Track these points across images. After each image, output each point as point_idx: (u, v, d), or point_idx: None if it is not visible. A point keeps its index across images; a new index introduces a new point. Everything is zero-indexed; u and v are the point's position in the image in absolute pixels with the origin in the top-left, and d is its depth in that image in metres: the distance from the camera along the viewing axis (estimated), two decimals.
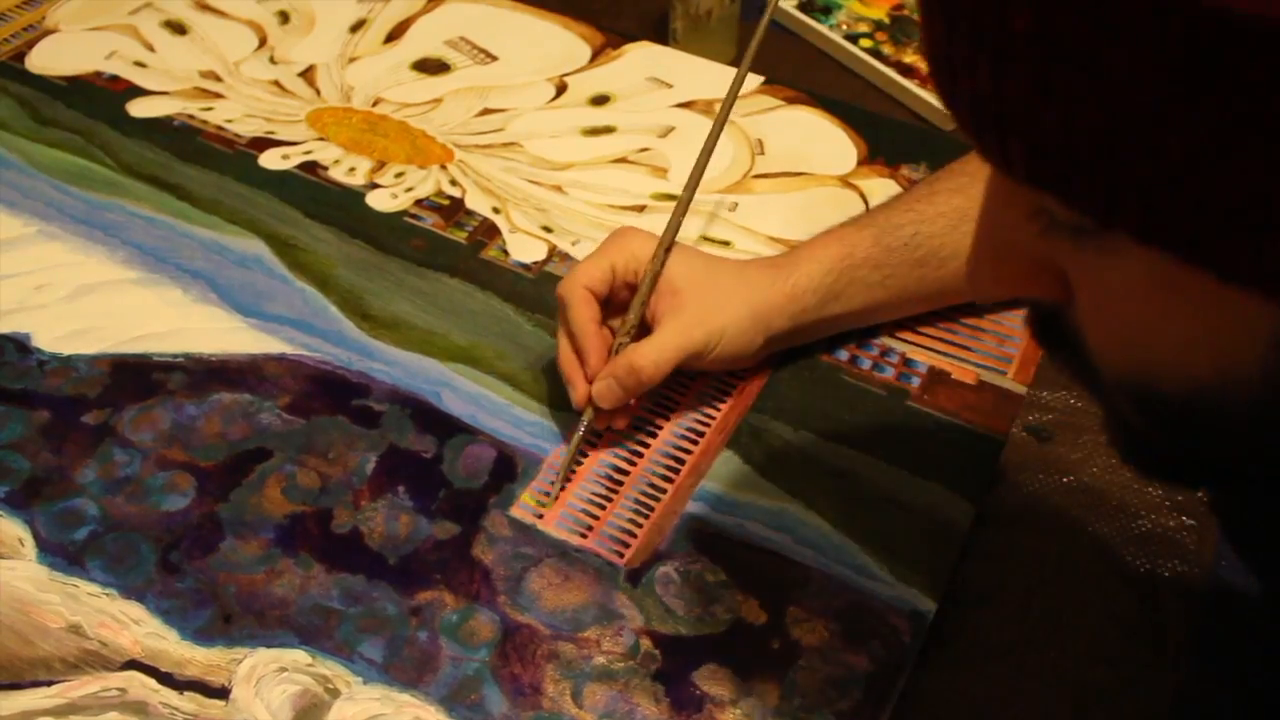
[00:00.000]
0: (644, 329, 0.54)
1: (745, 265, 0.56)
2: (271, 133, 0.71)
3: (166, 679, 0.46)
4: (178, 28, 0.79)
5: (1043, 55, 0.23)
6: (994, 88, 0.24)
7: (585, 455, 0.54)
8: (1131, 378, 0.29)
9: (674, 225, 0.55)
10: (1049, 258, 0.30)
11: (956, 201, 0.56)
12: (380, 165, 0.69)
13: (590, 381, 0.52)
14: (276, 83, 0.75)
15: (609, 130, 0.72)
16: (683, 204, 0.56)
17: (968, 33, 0.25)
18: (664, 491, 0.52)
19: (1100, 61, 0.22)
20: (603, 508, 0.52)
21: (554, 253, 0.64)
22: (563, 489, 0.52)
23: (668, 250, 0.54)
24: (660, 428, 0.55)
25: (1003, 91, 0.24)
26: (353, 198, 0.67)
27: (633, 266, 0.54)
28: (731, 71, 0.76)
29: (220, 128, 0.71)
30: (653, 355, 0.52)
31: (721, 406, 0.56)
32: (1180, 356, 0.28)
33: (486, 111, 0.73)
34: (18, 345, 0.58)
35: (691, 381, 0.57)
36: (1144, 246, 0.25)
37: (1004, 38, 0.23)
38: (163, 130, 0.71)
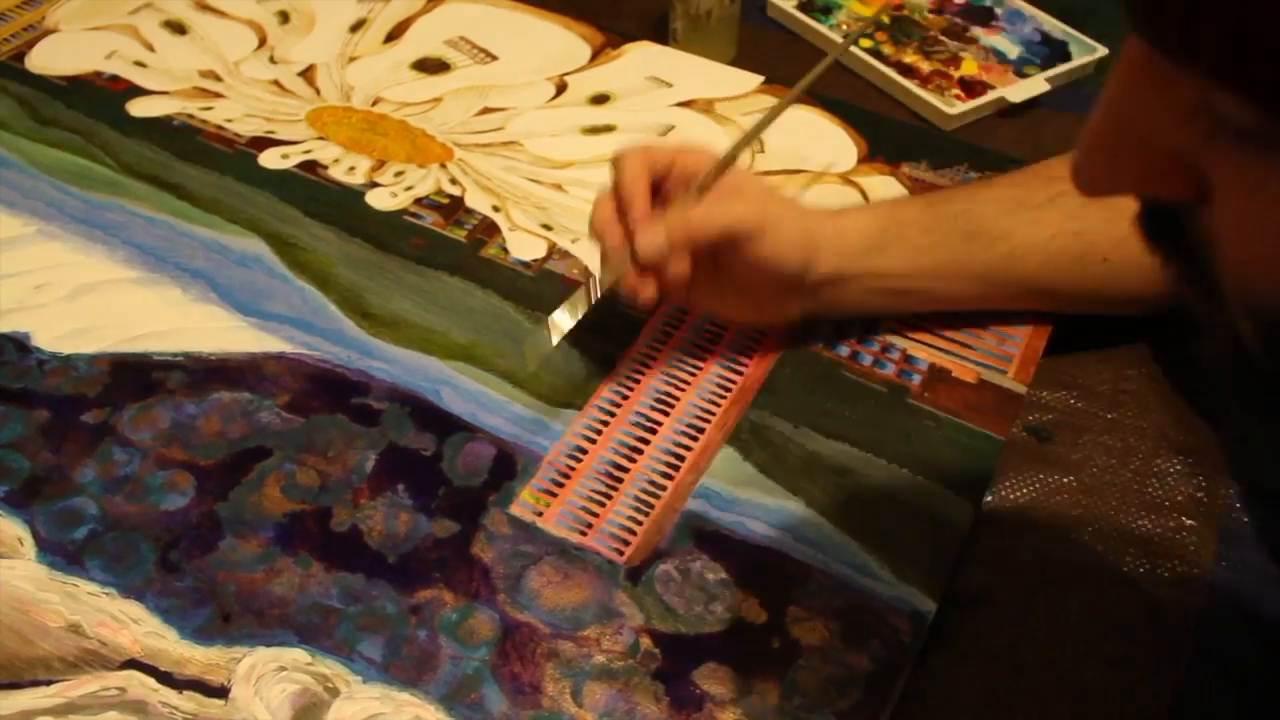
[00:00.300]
0: None
1: (802, 201, 0.57)
2: (271, 132, 0.71)
3: (166, 678, 0.46)
4: (178, 28, 0.79)
5: None
6: None
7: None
8: (1268, 300, 0.26)
9: (747, 138, 0.54)
10: (1191, 156, 0.26)
11: (1014, 193, 0.56)
12: (380, 164, 0.69)
13: (628, 238, 0.51)
14: (276, 82, 0.75)
15: (609, 129, 0.72)
16: (758, 125, 0.54)
17: None
18: (664, 489, 0.52)
19: None
20: (602, 505, 0.52)
21: (554, 250, 0.64)
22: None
23: (732, 159, 0.53)
24: (660, 424, 0.55)
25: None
26: (352, 197, 0.67)
27: (692, 168, 0.52)
28: (732, 71, 0.76)
29: (220, 127, 0.71)
30: (706, 211, 0.50)
31: (721, 403, 0.56)
32: None
33: (486, 110, 0.73)
34: (17, 345, 0.58)
35: (691, 377, 0.57)
36: None
37: None
38: (163, 130, 0.71)
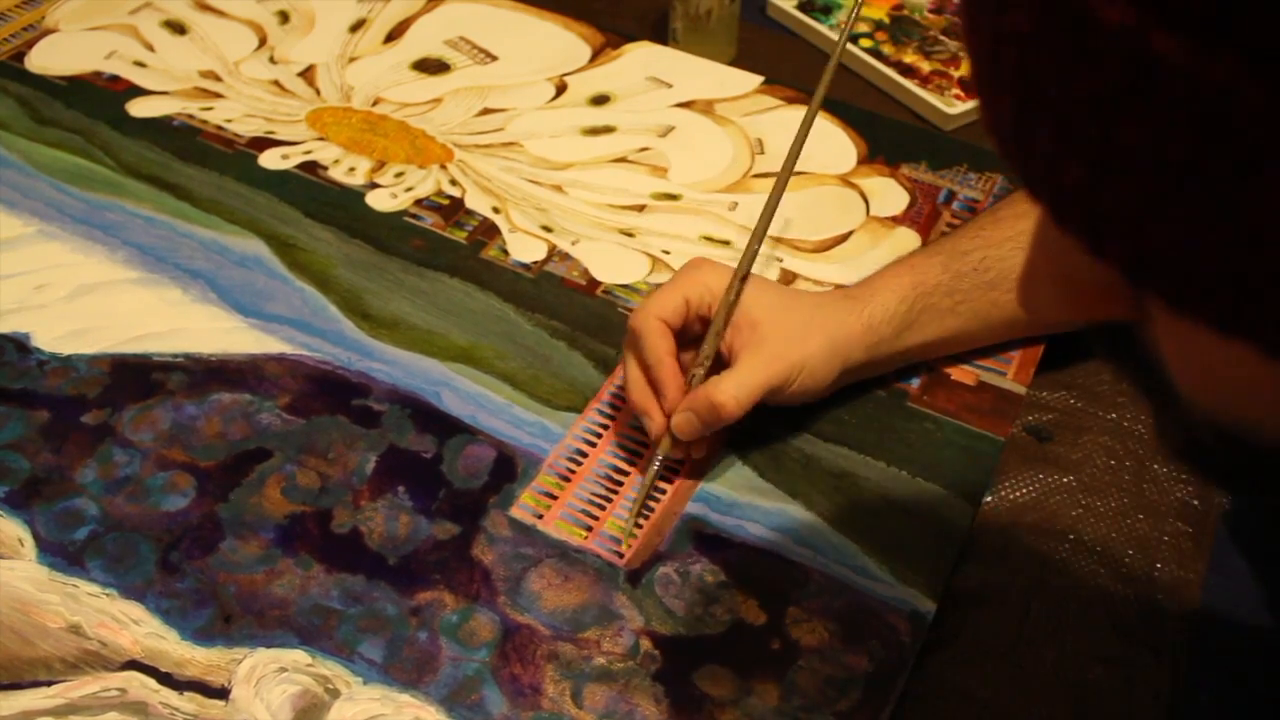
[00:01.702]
0: (719, 363, 0.53)
1: (820, 297, 0.55)
2: (271, 132, 0.71)
3: (166, 679, 0.46)
4: (178, 27, 0.79)
5: (1157, 174, 0.20)
6: (1089, 189, 0.22)
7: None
8: (1214, 414, 0.26)
9: (749, 256, 0.53)
10: (1123, 287, 0.26)
11: (1022, 225, 0.55)
12: (380, 165, 0.69)
13: (667, 414, 0.52)
14: (276, 82, 0.75)
15: (609, 130, 0.72)
16: (757, 235, 0.54)
17: (1058, 130, 0.22)
18: (664, 492, 0.52)
19: (1227, 192, 0.20)
20: (602, 508, 0.52)
21: (554, 252, 0.64)
22: (638, 525, 0.51)
23: (743, 281, 0.53)
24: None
25: (1101, 197, 0.22)
26: (352, 197, 0.67)
27: (706, 299, 0.53)
28: (732, 71, 0.76)
29: (220, 127, 0.71)
30: (734, 391, 0.50)
31: None
32: (1266, 412, 0.25)
33: (486, 111, 0.73)
34: (17, 345, 0.58)
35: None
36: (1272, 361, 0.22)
37: (1110, 148, 0.21)
38: (162, 130, 0.71)
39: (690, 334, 0.54)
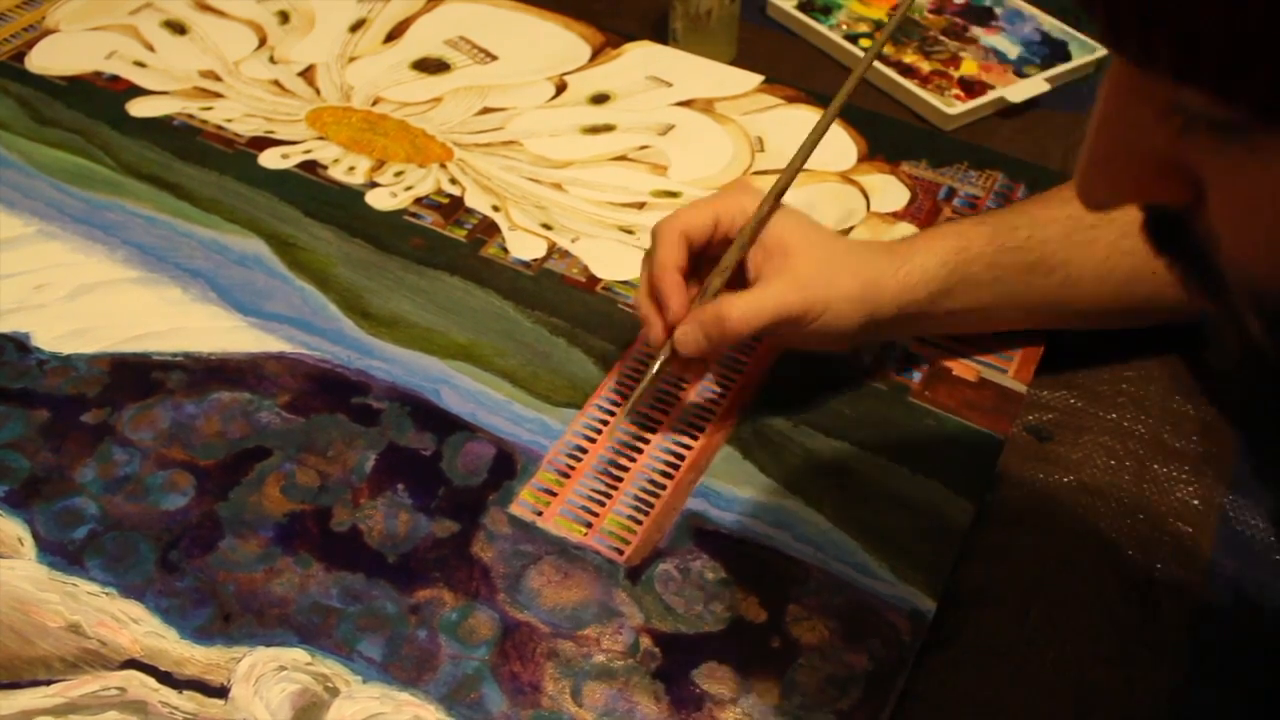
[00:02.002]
0: (741, 282, 0.51)
1: (859, 243, 0.53)
2: (271, 132, 0.71)
3: (166, 678, 0.46)
4: (178, 27, 0.79)
5: None
6: None
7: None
8: (1269, 290, 0.27)
9: (790, 174, 0.50)
10: (1179, 158, 0.27)
11: (1071, 209, 0.54)
12: (380, 164, 0.69)
13: (670, 325, 0.50)
14: (276, 82, 0.75)
15: (609, 128, 0.72)
16: (795, 165, 0.51)
17: None
18: (664, 488, 0.52)
19: None
20: (602, 504, 0.52)
21: (553, 250, 0.64)
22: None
23: (778, 199, 0.50)
24: (660, 424, 0.55)
25: None
26: (352, 196, 0.67)
27: (738, 221, 0.51)
28: (732, 71, 0.76)
29: (220, 127, 0.71)
30: (745, 310, 0.48)
31: (721, 402, 0.56)
32: None
33: (486, 110, 0.73)
34: (17, 345, 0.58)
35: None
36: None
37: None
38: (162, 130, 0.71)
39: (715, 254, 0.52)
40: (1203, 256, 0.28)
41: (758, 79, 0.76)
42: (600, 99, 0.74)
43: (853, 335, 0.52)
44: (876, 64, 0.77)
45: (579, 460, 0.53)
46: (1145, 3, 0.23)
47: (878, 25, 0.81)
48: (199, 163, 0.68)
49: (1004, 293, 0.54)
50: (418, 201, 0.67)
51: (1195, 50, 0.23)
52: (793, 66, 0.78)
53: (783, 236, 0.51)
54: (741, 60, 0.78)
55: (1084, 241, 0.54)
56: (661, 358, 0.51)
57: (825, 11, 0.82)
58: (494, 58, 0.77)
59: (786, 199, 0.52)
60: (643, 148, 0.71)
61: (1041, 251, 0.54)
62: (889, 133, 0.72)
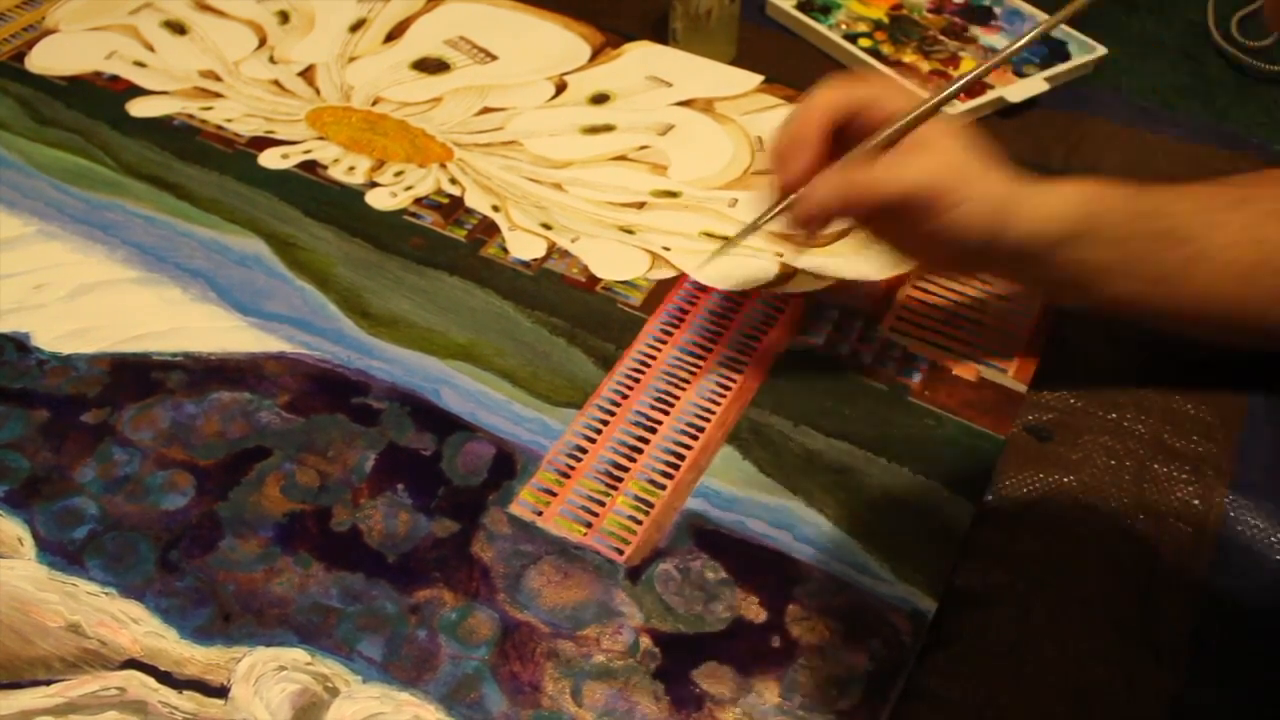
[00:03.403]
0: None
1: (1005, 164, 0.51)
2: (271, 132, 0.71)
3: (165, 678, 0.46)
4: (178, 28, 0.79)
5: None
6: None
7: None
8: None
9: (949, 92, 0.48)
10: None
11: (1210, 191, 0.52)
12: (380, 164, 0.69)
13: (796, 182, 0.48)
14: (276, 82, 0.75)
15: (608, 128, 0.72)
16: (970, 77, 0.49)
17: None
18: (663, 488, 0.52)
19: None
20: (602, 504, 0.52)
21: (553, 250, 0.64)
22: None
23: (937, 106, 0.48)
24: (660, 423, 0.55)
25: None
26: (352, 196, 0.67)
27: (888, 114, 0.48)
28: (732, 71, 0.76)
29: (220, 127, 0.71)
30: (888, 170, 0.46)
31: (721, 401, 0.56)
32: None
33: (486, 110, 0.73)
34: (17, 344, 0.58)
35: (691, 376, 0.57)
36: None
37: None
38: (162, 130, 0.71)
39: (848, 138, 0.49)
40: None
41: (758, 79, 0.76)
42: (600, 99, 0.74)
43: (971, 251, 0.49)
44: (876, 64, 0.77)
45: (579, 460, 0.54)
46: None
47: (877, 25, 0.81)
48: (199, 163, 0.68)
49: (1129, 257, 0.51)
50: (418, 201, 0.67)
51: None
52: (793, 66, 0.78)
53: (931, 132, 0.48)
54: (741, 60, 0.78)
55: (1212, 223, 0.51)
56: (773, 211, 0.48)
57: (825, 11, 0.82)
58: (494, 58, 0.78)
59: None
60: (643, 148, 0.71)
61: (1170, 222, 0.51)
62: None
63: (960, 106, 0.73)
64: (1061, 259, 0.51)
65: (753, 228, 0.48)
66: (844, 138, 0.49)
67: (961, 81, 0.49)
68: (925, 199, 0.47)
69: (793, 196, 0.48)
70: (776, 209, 0.48)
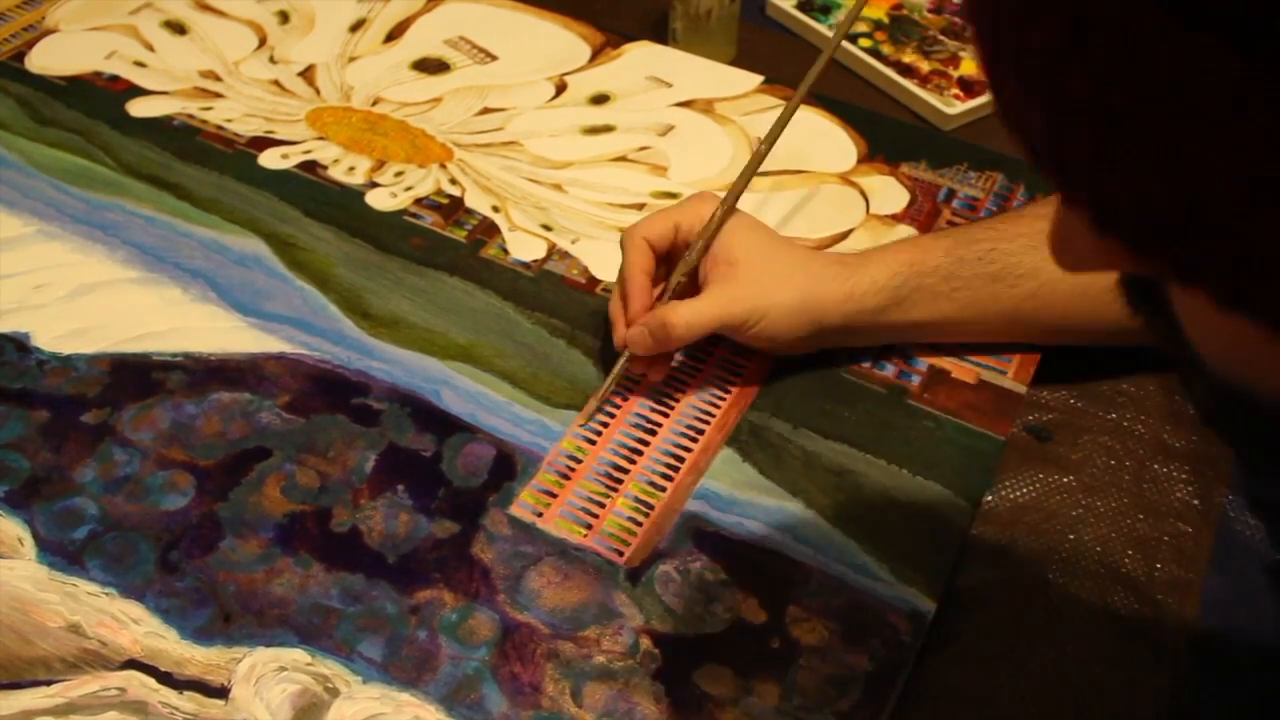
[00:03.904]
0: (695, 290, 0.54)
1: (810, 255, 0.56)
2: (271, 132, 0.71)
3: (166, 678, 0.46)
4: (177, 28, 0.79)
5: (1102, 123, 0.22)
6: (1052, 138, 0.23)
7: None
8: (1226, 375, 0.27)
9: (735, 193, 0.55)
10: None
11: (1040, 225, 0.53)
12: (380, 164, 0.69)
13: (630, 324, 0.54)
14: (276, 82, 0.75)
15: (608, 129, 0.72)
16: (746, 173, 0.55)
17: (1020, 83, 0.24)
18: (664, 490, 0.52)
19: (1167, 135, 0.21)
20: (602, 506, 0.52)
21: (553, 251, 0.64)
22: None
23: (725, 216, 0.54)
24: (660, 425, 0.55)
25: (1063, 147, 0.23)
26: (352, 197, 0.67)
27: (697, 227, 0.54)
28: (732, 71, 0.76)
29: (220, 127, 0.71)
30: (687, 316, 0.52)
31: (721, 404, 0.56)
32: (1270, 379, 0.26)
33: (486, 110, 0.73)
34: (17, 345, 0.58)
35: (691, 378, 0.57)
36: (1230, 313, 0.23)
37: (1062, 100, 0.22)
38: (162, 130, 0.71)
39: (677, 260, 0.55)
40: (1173, 321, 0.28)
41: (758, 79, 0.76)
42: (600, 99, 0.74)
43: (797, 341, 0.55)
44: (876, 64, 0.77)
45: (579, 462, 0.53)
46: (1060, 161, 0.24)
47: (877, 25, 0.81)
48: (199, 163, 0.68)
49: (968, 303, 0.55)
50: (418, 202, 0.67)
51: (1106, 211, 0.23)
52: (793, 66, 0.78)
53: (731, 247, 0.54)
54: (741, 60, 0.78)
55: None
56: (624, 357, 0.54)
57: (824, 11, 0.82)
58: (494, 58, 0.77)
59: (786, 199, 0.52)
60: (643, 148, 0.71)
61: (1005, 263, 0.54)
62: (888, 133, 0.72)
63: (960, 106, 0.73)
64: (896, 322, 0.55)
65: (610, 383, 0.54)
66: (673, 259, 0.55)
67: (742, 180, 0.55)
68: (729, 326, 0.53)
69: (624, 357, 0.54)
70: (617, 369, 0.54)
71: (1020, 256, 0.54)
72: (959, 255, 0.54)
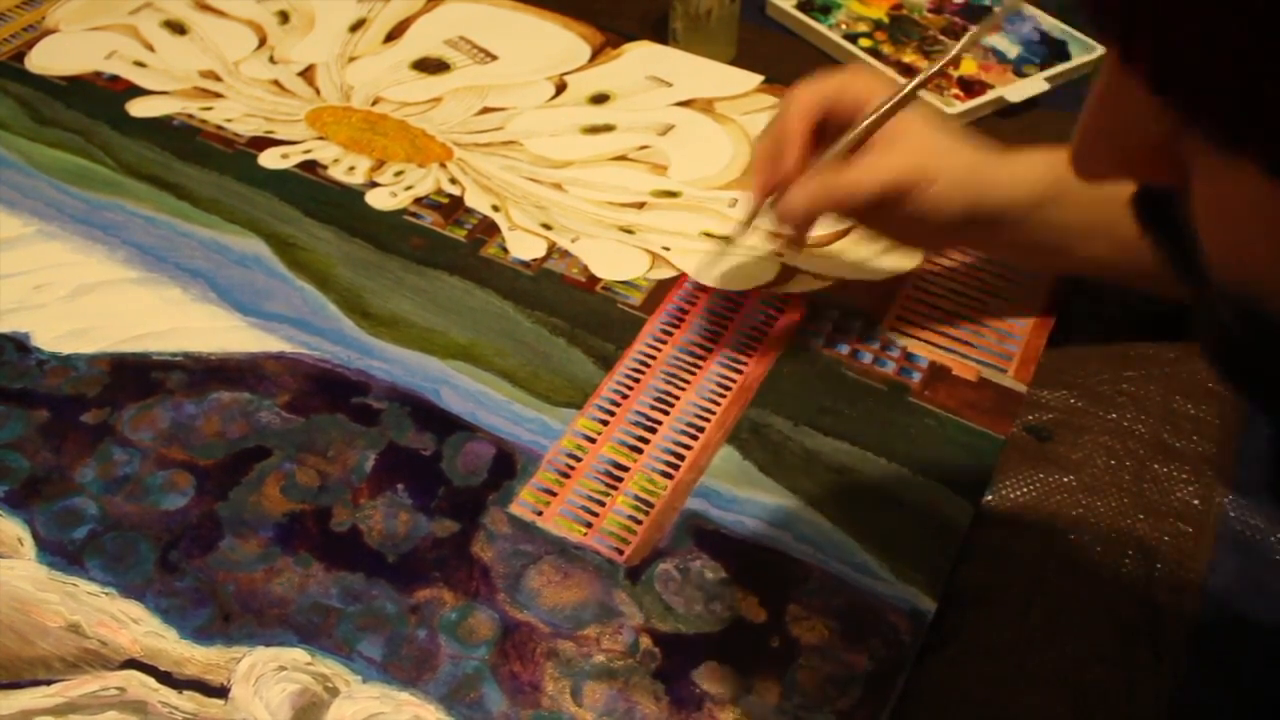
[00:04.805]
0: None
1: (971, 135, 0.54)
2: (271, 132, 0.71)
3: (165, 678, 0.46)
4: (177, 27, 0.79)
5: None
6: None
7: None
8: (1239, 287, 0.27)
9: (917, 82, 0.51)
10: (1170, 145, 0.27)
11: None
12: (380, 164, 0.69)
13: (781, 184, 0.50)
14: (276, 82, 0.75)
15: (608, 128, 0.72)
16: (931, 72, 0.51)
17: None
18: (664, 488, 0.52)
19: None
20: (602, 504, 0.52)
21: (553, 250, 0.64)
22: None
23: (903, 101, 0.50)
24: (660, 423, 0.55)
25: None
26: (352, 196, 0.67)
27: (863, 99, 0.51)
28: (732, 71, 0.76)
29: (220, 127, 0.71)
30: (861, 172, 0.50)
31: (721, 402, 0.56)
32: None
33: (486, 110, 0.73)
34: (17, 344, 0.58)
35: (691, 376, 0.57)
36: (1272, 181, 0.23)
37: None
38: (162, 130, 0.71)
39: (825, 134, 0.52)
40: (1185, 239, 0.28)
41: (758, 79, 0.76)
42: (600, 99, 0.74)
43: (953, 225, 0.52)
44: (876, 64, 0.77)
45: (579, 460, 0.53)
46: (1128, 18, 0.24)
47: (877, 25, 0.81)
48: (199, 163, 0.68)
49: (1102, 220, 0.52)
50: (417, 201, 0.67)
51: (1169, 71, 0.23)
52: (793, 66, 0.77)
53: (902, 120, 0.51)
54: (741, 60, 0.78)
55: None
56: (758, 214, 0.51)
57: (825, 11, 0.82)
58: (494, 58, 0.77)
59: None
60: (643, 148, 0.71)
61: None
62: None
63: (960, 106, 0.73)
64: (1038, 221, 0.53)
65: (745, 226, 0.51)
66: (826, 130, 0.52)
67: (929, 72, 0.51)
68: (899, 189, 0.50)
69: (774, 196, 0.51)
70: (760, 208, 0.51)
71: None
72: None
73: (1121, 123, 0.27)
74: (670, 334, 0.59)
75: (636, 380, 0.57)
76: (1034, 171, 0.52)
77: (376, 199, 0.67)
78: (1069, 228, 0.53)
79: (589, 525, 0.51)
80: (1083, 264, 0.56)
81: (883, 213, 0.52)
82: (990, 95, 0.75)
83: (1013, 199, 0.52)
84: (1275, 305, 0.26)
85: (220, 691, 0.45)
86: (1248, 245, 0.26)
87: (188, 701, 0.45)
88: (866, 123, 0.50)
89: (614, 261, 0.64)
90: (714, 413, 0.56)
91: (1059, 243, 0.55)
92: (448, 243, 0.64)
